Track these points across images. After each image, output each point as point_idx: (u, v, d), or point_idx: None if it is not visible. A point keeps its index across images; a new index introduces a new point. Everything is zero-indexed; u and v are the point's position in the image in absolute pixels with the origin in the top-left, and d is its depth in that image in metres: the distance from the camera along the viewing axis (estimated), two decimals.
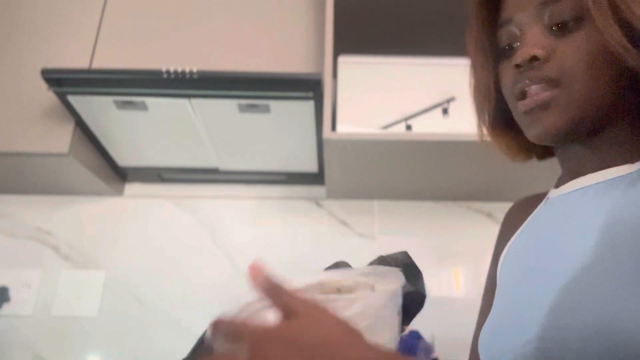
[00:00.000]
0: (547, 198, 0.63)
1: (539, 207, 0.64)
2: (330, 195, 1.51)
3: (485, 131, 0.65)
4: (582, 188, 0.56)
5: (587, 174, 0.56)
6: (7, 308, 1.39)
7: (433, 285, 1.42)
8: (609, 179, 0.53)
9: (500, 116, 0.62)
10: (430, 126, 1.20)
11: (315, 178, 1.50)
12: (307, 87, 1.15)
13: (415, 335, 1.20)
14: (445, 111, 1.22)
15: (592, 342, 0.43)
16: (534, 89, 0.53)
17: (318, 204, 1.53)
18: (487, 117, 0.63)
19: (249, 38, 1.30)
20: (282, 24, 1.32)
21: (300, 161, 1.43)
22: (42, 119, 1.25)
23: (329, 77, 1.17)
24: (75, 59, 1.29)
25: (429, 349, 1.16)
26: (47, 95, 1.21)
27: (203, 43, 1.30)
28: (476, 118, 0.65)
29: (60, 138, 1.25)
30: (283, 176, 1.50)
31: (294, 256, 1.44)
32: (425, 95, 1.24)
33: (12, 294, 1.40)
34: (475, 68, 0.64)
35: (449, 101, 1.23)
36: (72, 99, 1.19)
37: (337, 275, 0.47)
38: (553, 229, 0.56)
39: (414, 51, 1.31)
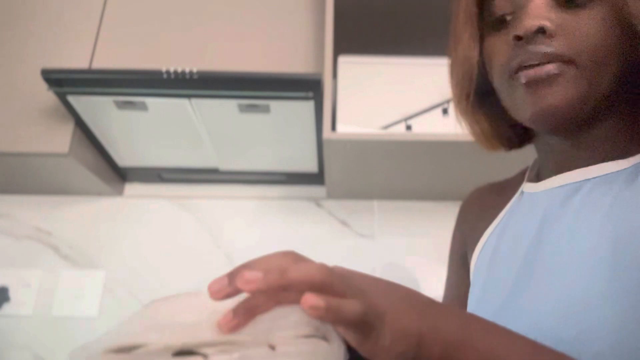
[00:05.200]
0: (522, 192, 0.59)
1: (513, 202, 0.59)
2: (330, 195, 1.51)
3: (460, 112, 0.60)
4: (573, 183, 0.51)
5: (575, 168, 0.52)
6: (7, 308, 1.39)
7: (433, 285, 1.42)
8: (603, 175, 0.49)
9: (478, 97, 0.57)
10: (430, 126, 1.20)
11: (315, 178, 1.50)
12: (307, 87, 1.15)
13: None
14: (445, 111, 1.22)
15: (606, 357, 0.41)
16: (541, 61, 0.48)
17: (318, 204, 1.53)
18: (465, 96, 0.57)
19: (249, 38, 1.30)
20: (282, 24, 1.32)
21: (300, 161, 1.43)
22: (42, 119, 1.25)
23: (329, 77, 1.17)
24: (75, 59, 1.29)
25: None
26: (47, 95, 1.21)
27: (203, 43, 1.30)
28: (453, 97, 0.60)
29: (60, 138, 1.25)
30: (283, 176, 1.50)
31: None
32: (425, 95, 1.24)
33: (12, 294, 1.40)
34: (459, 40, 0.56)
35: (449, 101, 1.23)
36: (72, 99, 1.19)
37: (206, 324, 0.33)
38: (544, 227, 0.52)
39: (414, 51, 1.31)
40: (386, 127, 1.21)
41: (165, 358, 0.31)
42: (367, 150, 1.21)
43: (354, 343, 0.34)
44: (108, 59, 1.29)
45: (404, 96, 1.24)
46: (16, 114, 1.26)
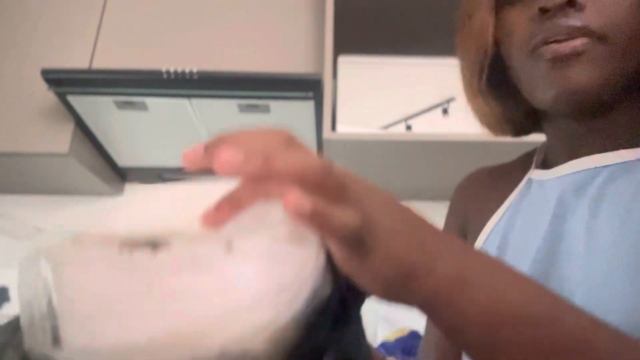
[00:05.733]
0: (530, 180, 0.54)
1: (520, 191, 0.55)
2: None
3: (470, 94, 0.56)
4: (587, 170, 0.47)
5: (589, 154, 0.48)
6: (7, 308, 1.39)
7: None
8: (621, 162, 0.45)
9: (488, 77, 0.53)
10: (430, 126, 1.20)
11: None
12: (307, 87, 1.15)
13: (415, 336, 1.20)
14: (445, 111, 1.22)
15: None
16: (568, 35, 0.43)
17: None
18: (478, 75, 0.53)
19: (249, 38, 1.30)
20: (282, 24, 1.32)
21: None
22: (42, 119, 1.25)
23: (329, 77, 1.17)
24: (75, 59, 1.29)
25: None
26: (47, 95, 1.21)
27: (203, 43, 1.30)
28: (462, 76, 0.56)
29: (60, 138, 1.25)
30: None
31: None
32: (425, 95, 1.24)
33: (12, 294, 1.40)
34: (474, 11, 0.52)
35: (449, 101, 1.23)
36: (72, 99, 1.19)
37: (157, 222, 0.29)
38: (558, 217, 0.48)
39: (414, 51, 1.31)
40: (386, 127, 1.21)
41: (111, 247, 0.27)
42: (367, 150, 1.21)
43: (336, 255, 0.28)
44: (108, 59, 1.29)
45: (404, 96, 1.24)
46: (16, 114, 1.26)
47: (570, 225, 0.46)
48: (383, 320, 1.38)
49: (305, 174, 0.26)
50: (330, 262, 0.28)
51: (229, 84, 1.15)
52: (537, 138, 0.59)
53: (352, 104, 1.22)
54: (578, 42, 0.43)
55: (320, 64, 1.24)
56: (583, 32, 0.43)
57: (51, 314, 0.27)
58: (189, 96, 1.18)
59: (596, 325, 0.32)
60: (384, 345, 1.21)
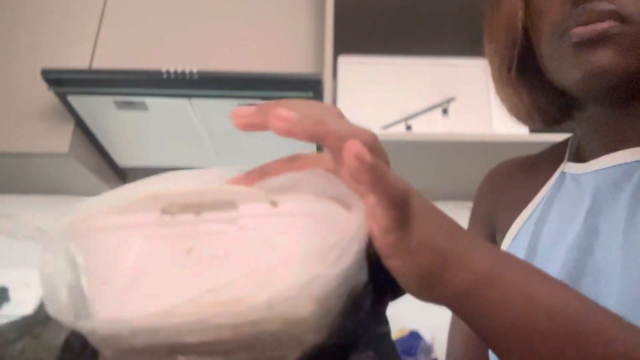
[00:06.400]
0: (564, 173, 0.52)
1: (554, 184, 0.53)
2: None
3: (500, 84, 0.54)
4: (627, 164, 0.45)
5: (627, 146, 0.46)
6: (7, 308, 1.39)
7: None
8: None
9: (518, 66, 0.51)
10: (430, 126, 1.20)
11: None
12: (307, 87, 1.15)
13: (415, 336, 1.20)
14: (445, 111, 1.22)
15: None
16: (603, 18, 0.42)
17: None
18: (507, 64, 0.51)
19: (249, 38, 1.30)
20: (282, 24, 1.32)
21: None
22: (42, 119, 1.25)
23: (329, 77, 1.17)
24: (75, 59, 1.29)
25: (429, 349, 1.16)
26: (47, 95, 1.21)
27: (203, 43, 1.30)
28: (491, 66, 0.54)
29: (60, 138, 1.25)
30: None
31: None
32: (425, 95, 1.24)
33: (12, 294, 1.40)
34: None
35: (449, 101, 1.23)
36: (72, 99, 1.19)
37: (204, 180, 0.28)
38: (594, 214, 0.46)
39: (414, 51, 1.31)
40: (386, 127, 1.21)
41: (153, 212, 0.26)
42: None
43: (377, 232, 0.27)
44: (108, 59, 1.29)
45: (404, 96, 1.24)
46: (16, 114, 1.26)
47: (608, 220, 0.45)
48: None
49: (359, 135, 0.26)
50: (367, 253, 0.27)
51: (229, 84, 1.15)
52: (538, 138, 0.59)
53: (352, 104, 1.22)
54: (605, 25, 0.42)
55: (320, 64, 1.24)
56: (613, 15, 0.42)
57: (78, 285, 0.25)
58: (189, 96, 1.18)
59: (623, 325, 0.32)
60: None
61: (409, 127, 1.21)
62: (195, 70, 1.12)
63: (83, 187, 1.47)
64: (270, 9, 1.34)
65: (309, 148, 1.36)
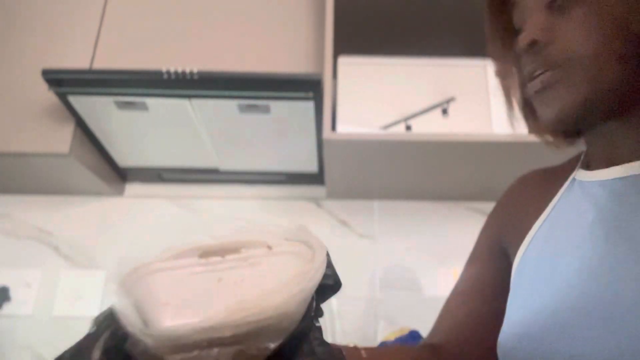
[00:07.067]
0: (574, 179, 0.55)
1: (564, 190, 0.56)
2: (330, 195, 1.52)
3: (523, 116, 0.60)
4: (629, 177, 0.48)
5: (628, 159, 0.49)
6: (7, 308, 1.39)
7: (433, 285, 1.42)
8: None
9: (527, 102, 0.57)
10: (430, 126, 1.21)
11: (315, 178, 1.50)
12: (307, 87, 1.15)
13: (415, 335, 1.20)
14: (445, 111, 1.22)
15: None
16: (539, 71, 0.50)
17: (318, 204, 1.53)
18: (513, 104, 0.59)
19: (249, 38, 1.30)
20: (282, 24, 1.32)
21: (300, 161, 1.43)
22: (43, 119, 1.25)
23: (329, 77, 1.18)
24: (75, 59, 1.29)
25: None
26: (47, 96, 1.21)
27: (203, 43, 1.30)
28: (505, 106, 0.61)
29: (60, 138, 1.25)
30: (283, 176, 1.50)
31: None
32: (425, 95, 1.24)
33: (12, 294, 1.40)
34: (494, 55, 0.60)
35: (448, 101, 1.23)
36: (72, 99, 1.19)
37: (221, 236, 0.43)
38: (599, 222, 0.48)
39: (414, 51, 1.31)
40: (386, 127, 1.21)
41: (193, 257, 0.41)
42: (367, 150, 1.21)
43: None
44: (108, 59, 1.29)
45: (404, 96, 1.24)
46: (16, 114, 1.26)
47: (611, 230, 0.47)
48: (383, 320, 1.38)
49: None
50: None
51: (229, 84, 1.16)
52: (538, 139, 0.60)
53: (352, 104, 1.23)
54: (546, 76, 0.49)
55: (320, 64, 1.24)
56: (548, 65, 0.49)
57: (140, 310, 0.37)
58: (189, 96, 1.18)
59: None
60: (384, 345, 1.21)
61: (409, 127, 1.21)
62: (195, 70, 1.12)
63: (83, 187, 1.47)
64: (270, 9, 1.34)
65: (309, 147, 1.36)
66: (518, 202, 0.63)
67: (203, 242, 0.41)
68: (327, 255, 0.42)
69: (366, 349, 0.58)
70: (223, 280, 0.39)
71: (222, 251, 0.41)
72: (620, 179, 0.49)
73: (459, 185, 1.41)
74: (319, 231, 1.49)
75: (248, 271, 0.39)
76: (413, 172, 1.34)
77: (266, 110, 1.22)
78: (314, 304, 0.39)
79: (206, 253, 0.41)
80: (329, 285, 0.41)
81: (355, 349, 0.57)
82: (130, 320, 0.34)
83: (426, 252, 1.44)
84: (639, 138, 0.49)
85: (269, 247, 0.41)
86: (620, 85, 0.47)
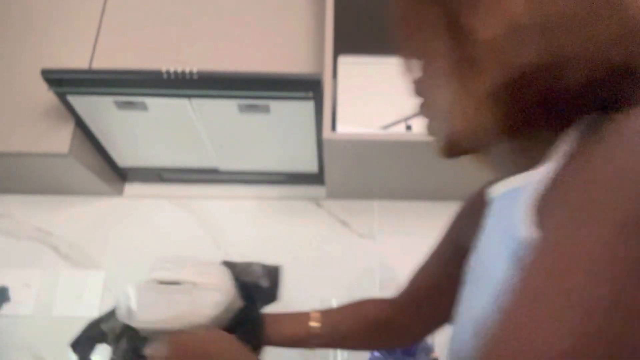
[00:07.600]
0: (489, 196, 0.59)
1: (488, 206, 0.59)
2: (330, 195, 1.51)
3: None
4: (506, 191, 0.52)
5: (512, 172, 0.50)
6: (7, 308, 1.39)
7: None
8: (516, 186, 0.47)
9: None
10: None
11: (315, 178, 1.50)
12: (307, 87, 1.15)
13: None
14: None
15: None
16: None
17: (318, 204, 1.53)
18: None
19: (249, 38, 1.30)
20: (282, 24, 1.32)
21: (300, 161, 1.43)
22: (42, 119, 1.25)
23: (329, 77, 1.17)
24: (75, 59, 1.29)
25: (428, 349, 1.16)
26: (47, 96, 1.21)
27: (203, 43, 1.30)
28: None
29: (60, 138, 1.25)
30: (283, 176, 1.50)
31: (293, 256, 1.44)
32: None
33: (12, 294, 1.40)
34: (409, 53, 0.65)
35: None
36: (72, 99, 1.19)
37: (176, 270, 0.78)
38: (490, 237, 0.54)
39: None
40: (386, 127, 1.21)
41: (154, 284, 0.76)
42: (367, 150, 1.21)
43: None
44: (108, 59, 1.29)
45: (404, 96, 1.24)
46: (16, 114, 1.26)
47: (478, 243, 0.57)
48: None
49: None
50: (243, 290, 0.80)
51: (229, 84, 1.15)
52: None
53: (352, 104, 1.22)
54: (426, 121, 0.55)
55: (320, 64, 1.24)
56: (421, 112, 0.56)
57: (131, 308, 0.73)
58: (189, 96, 1.18)
59: None
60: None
61: (409, 127, 1.21)
62: (195, 70, 1.12)
63: (83, 187, 1.47)
64: (270, 9, 1.34)
65: (309, 147, 1.36)
66: (475, 213, 0.67)
67: (164, 275, 0.77)
68: (277, 271, 0.82)
69: (321, 311, 0.79)
70: (173, 297, 0.73)
71: (171, 282, 0.75)
72: (503, 195, 0.52)
73: (458, 185, 1.41)
74: (319, 231, 1.49)
75: (185, 296, 0.73)
76: (413, 172, 1.34)
77: (266, 110, 1.21)
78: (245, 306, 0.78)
79: (163, 281, 0.76)
80: (263, 296, 0.80)
81: (305, 314, 0.80)
82: (122, 313, 0.73)
83: (426, 252, 1.44)
84: (523, 154, 0.49)
85: (194, 283, 0.75)
86: (495, 125, 0.45)
